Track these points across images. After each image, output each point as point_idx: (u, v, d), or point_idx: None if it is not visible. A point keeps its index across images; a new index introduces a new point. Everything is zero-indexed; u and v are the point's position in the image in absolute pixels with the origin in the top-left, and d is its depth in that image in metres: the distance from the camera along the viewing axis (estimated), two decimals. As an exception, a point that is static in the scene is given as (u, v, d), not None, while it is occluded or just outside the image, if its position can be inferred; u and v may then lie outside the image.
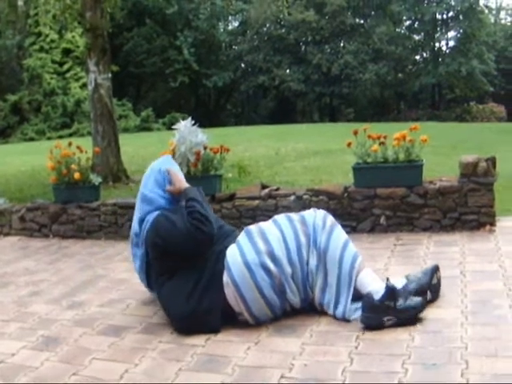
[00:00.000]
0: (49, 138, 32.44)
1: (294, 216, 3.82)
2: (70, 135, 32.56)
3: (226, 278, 3.57)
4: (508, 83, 47.68)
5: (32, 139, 34.29)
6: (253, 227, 3.80)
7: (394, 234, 5.57)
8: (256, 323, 3.62)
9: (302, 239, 3.65)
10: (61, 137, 31.13)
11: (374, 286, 3.48)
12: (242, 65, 48.30)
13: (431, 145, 6.46)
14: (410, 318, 3.37)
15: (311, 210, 3.86)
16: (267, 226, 3.78)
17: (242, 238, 3.71)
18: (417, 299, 3.43)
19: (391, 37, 44.74)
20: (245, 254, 3.58)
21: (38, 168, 12.54)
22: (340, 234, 3.70)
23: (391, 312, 3.35)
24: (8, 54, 40.98)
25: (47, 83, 37.22)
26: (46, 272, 5.43)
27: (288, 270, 3.57)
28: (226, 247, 3.68)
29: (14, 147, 27.28)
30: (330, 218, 3.78)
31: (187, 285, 3.62)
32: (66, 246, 6.56)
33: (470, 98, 45.98)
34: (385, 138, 5.66)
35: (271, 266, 3.55)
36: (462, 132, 20.62)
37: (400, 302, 3.37)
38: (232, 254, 3.62)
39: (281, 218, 3.85)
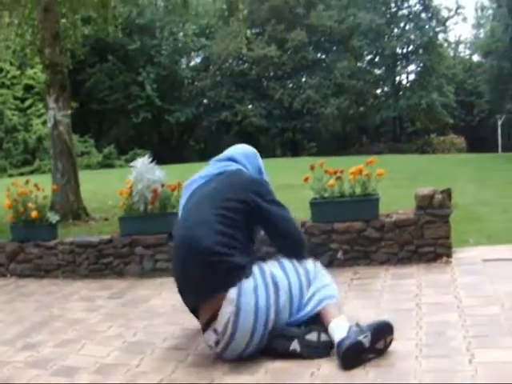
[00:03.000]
0: (10, 175, 32.08)
1: (296, 262, 3.81)
2: (32, 172, 32.30)
3: (233, 295, 3.50)
4: (467, 114, 48.57)
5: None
6: (266, 268, 3.67)
7: (351, 268, 5.58)
8: (220, 357, 3.61)
9: (304, 282, 3.69)
10: (22, 174, 30.88)
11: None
12: (205, 100, 48.44)
13: (391, 177, 6.54)
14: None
15: (310, 259, 3.88)
16: (277, 271, 3.68)
17: (257, 274, 3.61)
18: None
19: (352, 71, 45.37)
20: (258, 298, 3.53)
21: (-3, 206, 12.37)
22: (327, 274, 3.82)
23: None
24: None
25: (9, 119, 36.96)
26: (2, 312, 5.34)
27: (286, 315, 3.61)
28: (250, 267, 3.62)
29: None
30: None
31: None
32: (24, 285, 6.46)
33: (431, 130, 46.74)
34: (341, 172, 5.69)
35: (272, 316, 3.54)
36: (423, 164, 20.91)
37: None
38: (247, 287, 3.53)
39: (285, 261, 3.79)
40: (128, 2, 14.19)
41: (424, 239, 5.53)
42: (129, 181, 6.18)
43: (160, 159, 5.78)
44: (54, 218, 6.83)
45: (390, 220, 5.60)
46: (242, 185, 3.85)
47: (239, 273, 3.55)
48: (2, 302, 5.73)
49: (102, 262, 6.42)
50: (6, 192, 6.94)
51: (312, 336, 3.51)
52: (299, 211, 7.83)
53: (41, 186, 7.08)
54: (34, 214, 6.63)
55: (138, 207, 6.14)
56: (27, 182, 7.06)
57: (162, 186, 6.16)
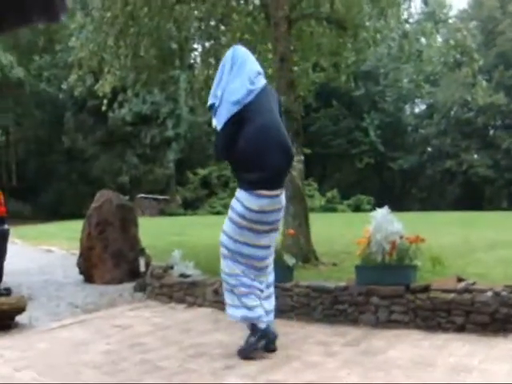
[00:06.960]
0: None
1: None
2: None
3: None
4: None
5: (219, 213, 35.53)
6: None
7: None
8: None
9: None
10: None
11: None
12: (429, 148, 47.86)
13: None
14: None
15: None
16: None
17: None
18: None
19: None
20: None
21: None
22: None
23: None
24: (199, 130, 43.11)
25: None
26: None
27: None
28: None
29: (202, 219, 28.42)
30: None
31: None
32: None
33: None
34: None
35: None
36: None
37: None
38: None
39: None
40: (359, 52, 14.27)
41: None
42: (367, 230, 6.27)
43: (380, 206, 5.80)
44: (291, 261, 7.09)
45: None
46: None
47: None
48: (240, 337, 5.90)
49: (336, 308, 6.48)
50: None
51: None
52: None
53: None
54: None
55: (375, 257, 6.19)
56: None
57: (401, 237, 6.17)
